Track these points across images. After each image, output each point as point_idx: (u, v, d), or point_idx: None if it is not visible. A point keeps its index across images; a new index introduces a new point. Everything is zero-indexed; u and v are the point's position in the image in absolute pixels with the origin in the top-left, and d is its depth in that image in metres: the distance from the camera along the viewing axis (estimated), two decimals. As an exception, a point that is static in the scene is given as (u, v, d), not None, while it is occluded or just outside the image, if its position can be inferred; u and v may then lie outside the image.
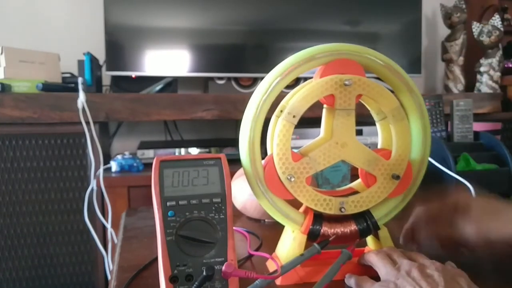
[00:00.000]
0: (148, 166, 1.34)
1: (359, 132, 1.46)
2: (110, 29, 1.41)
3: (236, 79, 1.56)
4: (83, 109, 1.21)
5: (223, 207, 0.44)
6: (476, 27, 1.72)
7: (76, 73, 1.42)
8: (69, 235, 1.25)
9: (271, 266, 0.51)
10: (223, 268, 0.41)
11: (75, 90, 1.24)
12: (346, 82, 0.47)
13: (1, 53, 1.23)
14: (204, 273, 0.39)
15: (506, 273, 0.52)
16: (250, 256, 0.56)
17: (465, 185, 0.80)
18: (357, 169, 0.51)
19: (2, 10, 1.57)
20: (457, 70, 1.78)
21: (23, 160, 1.21)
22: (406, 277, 0.41)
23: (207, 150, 1.42)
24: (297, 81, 1.45)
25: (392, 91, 0.50)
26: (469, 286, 0.40)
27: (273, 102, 0.48)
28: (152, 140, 1.67)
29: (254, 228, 0.67)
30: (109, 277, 1.19)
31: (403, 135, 0.50)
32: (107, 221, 1.22)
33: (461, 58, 1.77)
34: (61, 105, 1.21)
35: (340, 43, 0.49)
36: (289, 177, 0.47)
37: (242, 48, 1.55)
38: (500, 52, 1.72)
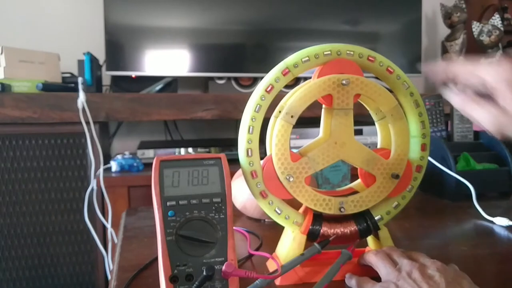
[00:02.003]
0: (148, 166, 1.34)
1: (359, 132, 1.46)
2: (110, 29, 1.41)
3: (236, 79, 1.56)
4: (83, 109, 1.21)
5: (223, 207, 0.44)
6: (476, 26, 1.72)
7: (76, 73, 1.42)
8: (69, 235, 1.25)
9: (271, 266, 0.52)
10: (223, 268, 0.41)
11: (75, 90, 1.24)
12: (344, 82, 0.47)
13: (1, 53, 1.23)
14: (204, 273, 0.40)
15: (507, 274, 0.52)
16: (250, 256, 0.56)
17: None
18: (357, 169, 0.51)
19: (2, 10, 1.57)
20: (457, 70, 1.78)
21: (23, 160, 1.21)
22: (407, 278, 0.41)
23: (207, 150, 1.42)
24: (297, 81, 1.45)
25: (390, 91, 0.50)
26: None
27: (272, 102, 0.48)
28: (152, 140, 1.68)
29: (254, 228, 0.67)
30: (109, 277, 1.19)
31: (402, 134, 0.50)
32: (107, 221, 1.22)
33: (461, 58, 1.77)
34: (61, 105, 1.21)
35: (338, 43, 0.49)
36: (288, 177, 0.47)
37: (242, 48, 1.55)
38: (500, 52, 1.72)
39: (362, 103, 0.53)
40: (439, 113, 0.95)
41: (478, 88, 0.44)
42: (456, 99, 0.45)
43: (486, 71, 0.42)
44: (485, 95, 0.43)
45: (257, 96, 0.47)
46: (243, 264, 0.54)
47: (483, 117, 0.43)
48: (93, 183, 1.21)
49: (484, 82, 0.42)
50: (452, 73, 0.45)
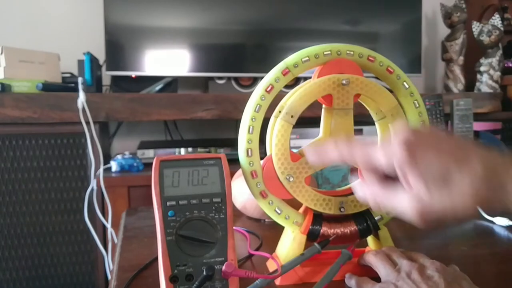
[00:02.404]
0: (148, 166, 1.34)
1: (359, 132, 1.46)
2: (110, 28, 1.41)
3: (236, 79, 1.56)
4: (83, 109, 1.21)
5: (223, 207, 0.44)
6: (476, 26, 1.72)
7: (76, 73, 1.42)
8: (69, 235, 1.25)
9: (271, 266, 0.51)
10: (223, 268, 0.41)
11: (75, 90, 1.24)
12: (344, 82, 0.47)
13: (1, 53, 1.23)
14: (204, 273, 0.40)
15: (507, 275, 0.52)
16: (250, 256, 0.56)
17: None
18: (357, 169, 0.51)
19: (2, 10, 1.57)
20: (457, 70, 1.78)
21: (23, 160, 1.21)
22: (406, 279, 0.41)
23: (207, 150, 1.42)
24: (297, 81, 1.45)
25: (390, 91, 0.50)
26: None
27: (272, 102, 0.48)
28: (152, 140, 1.68)
29: (254, 228, 0.67)
30: (109, 277, 1.19)
31: (403, 135, 0.50)
32: (107, 221, 1.22)
33: (461, 58, 1.77)
34: (61, 105, 1.21)
35: (338, 43, 0.49)
36: (288, 177, 0.47)
37: (242, 47, 1.55)
38: (500, 52, 1.72)
39: (362, 103, 0.53)
40: (439, 113, 0.95)
41: (382, 172, 0.37)
42: (365, 191, 0.39)
43: (383, 153, 0.36)
44: (392, 178, 0.37)
45: (257, 96, 0.47)
46: (243, 264, 0.54)
47: (403, 205, 0.36)
48: (93, 183, 1.21)
49: (384, 165, 0.36)
50: (349, 155, 0.39)
